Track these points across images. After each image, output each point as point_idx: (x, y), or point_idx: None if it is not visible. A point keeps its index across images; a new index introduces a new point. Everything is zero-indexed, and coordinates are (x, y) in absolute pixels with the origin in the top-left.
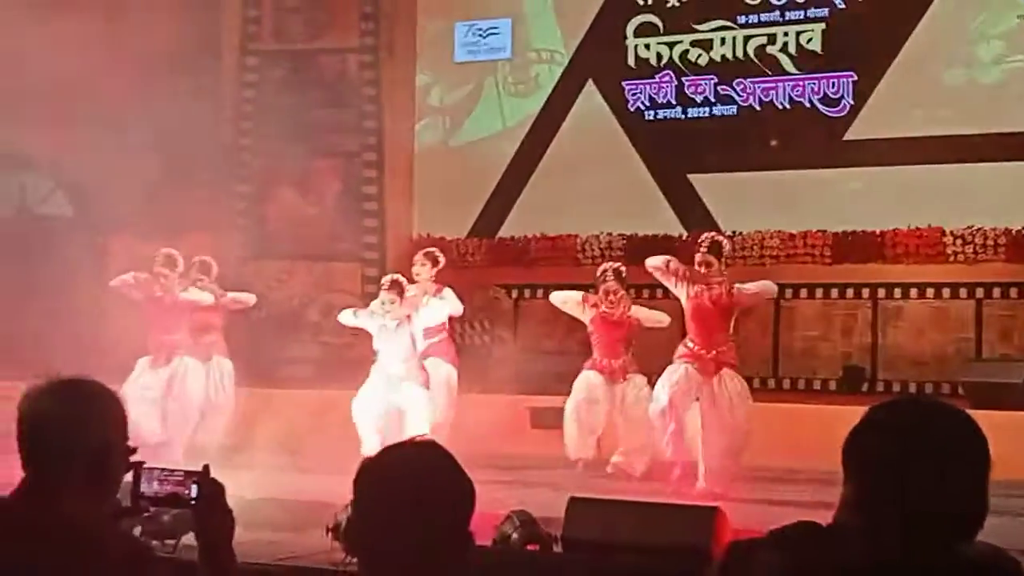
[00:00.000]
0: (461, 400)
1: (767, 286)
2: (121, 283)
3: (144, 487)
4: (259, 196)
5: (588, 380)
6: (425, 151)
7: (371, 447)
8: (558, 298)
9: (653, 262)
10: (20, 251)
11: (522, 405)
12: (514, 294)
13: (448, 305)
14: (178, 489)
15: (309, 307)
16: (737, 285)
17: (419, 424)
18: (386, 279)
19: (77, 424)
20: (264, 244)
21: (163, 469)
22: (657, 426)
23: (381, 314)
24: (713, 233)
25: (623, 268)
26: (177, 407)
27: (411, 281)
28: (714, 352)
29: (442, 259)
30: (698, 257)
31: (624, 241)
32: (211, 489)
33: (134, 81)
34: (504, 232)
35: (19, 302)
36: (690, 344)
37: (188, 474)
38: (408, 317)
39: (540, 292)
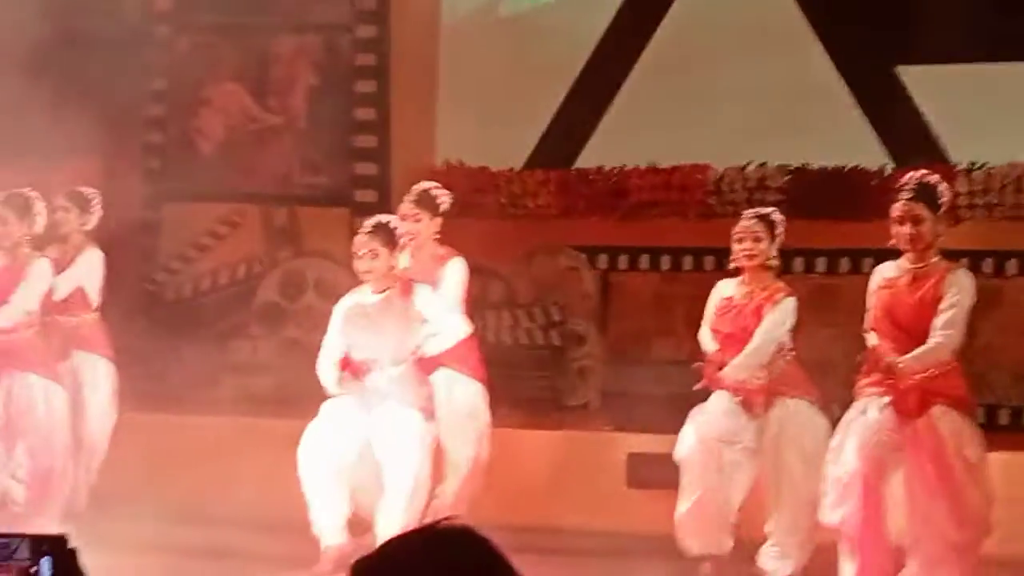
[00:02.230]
0: (500, 440)
1: None
2: None
3: None
4: (183, 99)
5: (716, 410)
6: (459, 24)
7: (331, 524)
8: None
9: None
10: None
11: (613, 449)
12: (601, 262)
13: (450, 284)
14: (24, 574)
15: (264, 280)
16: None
17: (401, 480)
18: (369, 222)
19: None
20: (190, 176)
21: None
22: (831, 503)
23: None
24: (924, 171)
25: (777, 216)
26: (28, 447)
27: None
28: (920, 377)
29: (445, 201)
30: (898, 208)
31: (787, 177)
32: (72, 565)
33: None
34: (585, 161)
35: None
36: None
37: (35, 542)
38: (406, 286)
39: (644, 260)
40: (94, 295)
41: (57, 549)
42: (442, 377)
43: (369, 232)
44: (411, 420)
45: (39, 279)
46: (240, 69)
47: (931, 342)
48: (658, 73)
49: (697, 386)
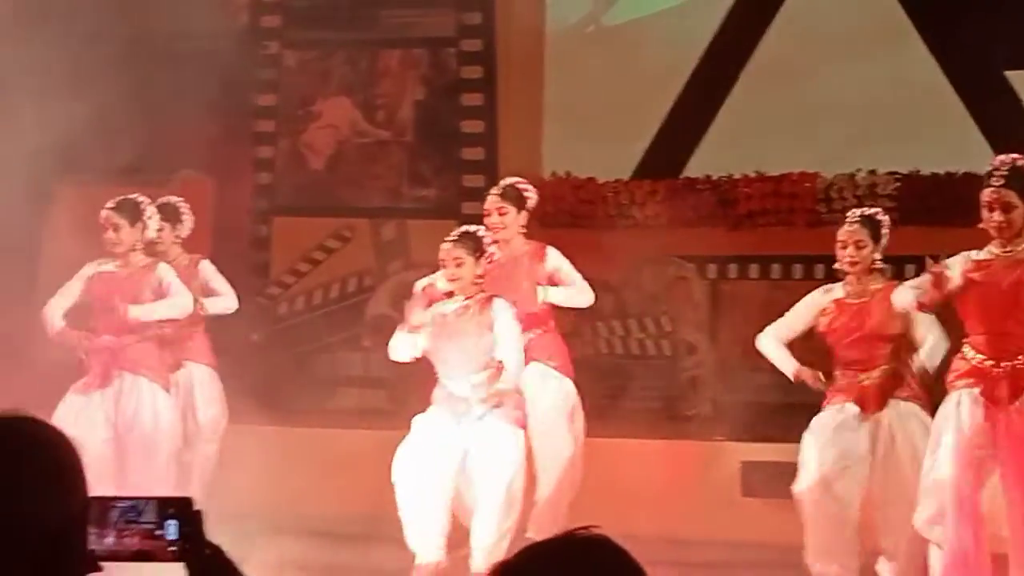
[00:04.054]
0: (611, 450)
1: None
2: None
3: (94, 540)
4: (293, 114)
5: (832, 418)
6: (563, 35)
7: (427, 542)
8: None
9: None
10: None
11: (727, 458)
12: (711, 271)
13: (564, 264)
14: (149, 536)
15: (375, 293)
16: None
17: (495, 494)
18: (455, 231)
19: (20, 496)
20: (301, 191)
21: (120, 503)
22: (928, 517)
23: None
24: (1016, 156)
25: (883, 216)
26: (139, 450)
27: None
28: (1010, 364)
29: (532, 196)
30: (987, 195)
31: (897, 184)
32: (198, 528)
33: None
34: (693, 170)
35: None
36: (970, 353)
37: (161, 505)
38: (488, 300)
39: (754, 268)
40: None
41: (183, 511)
42: (534, 372)
43: (455, 240)
44: (502, 431)
45: (180, 282)
46: (348, 84)
47: None
48: (765, 80)
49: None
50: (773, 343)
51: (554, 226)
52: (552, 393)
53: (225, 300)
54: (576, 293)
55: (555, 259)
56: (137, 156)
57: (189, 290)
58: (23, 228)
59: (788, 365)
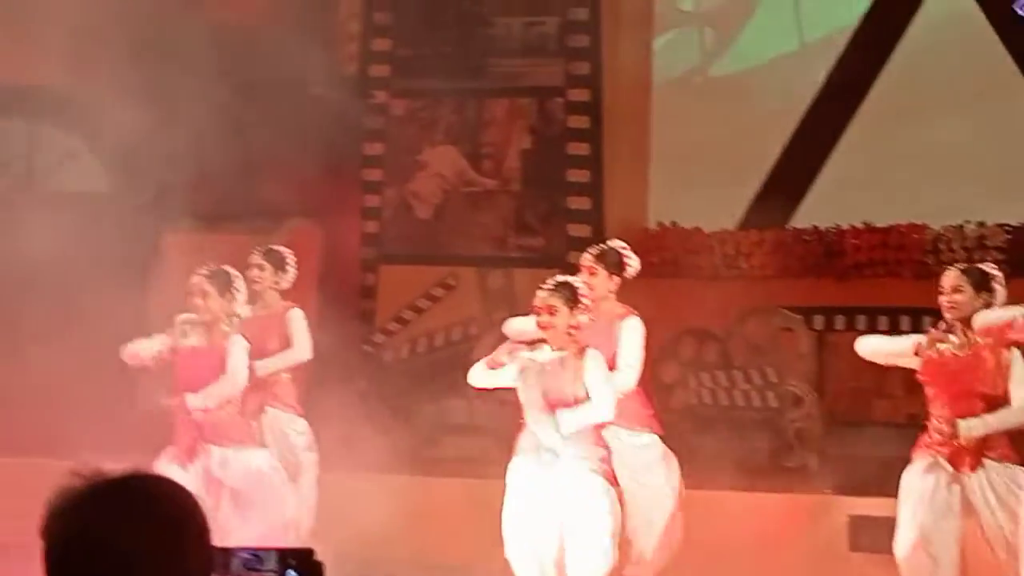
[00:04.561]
0: (717, 502)
1: None
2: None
3: None
4: (400, 163)
5: (925, 476)
6: (670, 86)
7: None
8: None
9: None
10: (14, 247)
11: (834, 512)
12: (817, 322)
13: (630, 343)
14: None
15: (480, 341)
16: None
17: (587, 551)
18: (552, 280)
19: (149, 553)
20: (407, 239)
21: (241, 553)
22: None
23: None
24: None
25: (993, 270)
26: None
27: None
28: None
29: (633, 262)
30: None
31: (1008, 236)
32: None
33: None
34: (801, 220)
35: (12, 332)
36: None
37: (283, 555)
38: (581, 351)
39: (861, 320)
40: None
41: (305, 562)
42: (617, 434)
43: (551, 289)
44: (593, 485)
45: (241, 357)
46: (455, 133)
47: None
48: (872, 130)
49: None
50: (875, 339)
51: (659, 276)
52: (640, 449)
53: (295, 353)
54: (590, 409)
55: (624, 334)
56: (245, 205)
57: (269, 342)
58: (135, 275)
59: (901, 342)
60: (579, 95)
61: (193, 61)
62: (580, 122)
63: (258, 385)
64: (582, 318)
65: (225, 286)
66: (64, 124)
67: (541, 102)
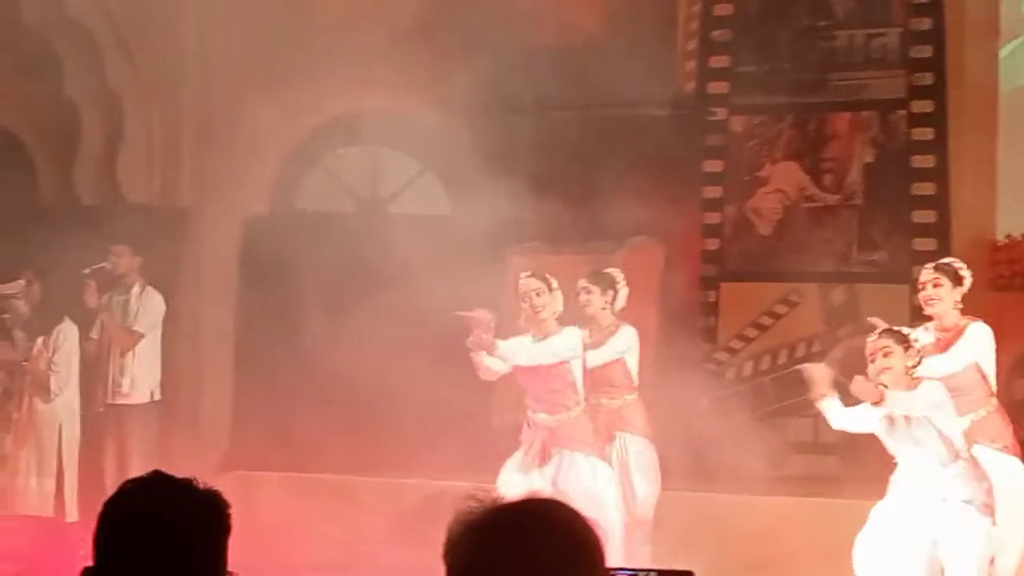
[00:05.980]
0: None
1: None
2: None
3: None
4: (740, 180)
5: None
6: (1017, 94)
7: None
8: None
9: None
10: (344, 273)
11: None
12: None
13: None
14: None
15: (824, 358)
16: None
17: None
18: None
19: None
20: (748, 256)
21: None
22: None
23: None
24: None
25: None
26: None
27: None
28: None
29: (967, 277)
30: None
31: None
32: None
33: None
34: None
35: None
36: None
37: None
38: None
39: None
40: (635, 373)
41: None
42: (980, 456)
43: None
44: (969, 520)
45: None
46: (796, 148)
47: None
48: None
49: None
50: None
51: (1009, 290)
52: (1003, 477)
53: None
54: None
55: (968, 335)
56: (588, 225)
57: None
58: (481, 295)
59: None
60: (923, 106)
61: (534, 85)
62: (924, 134)
63: (605, 409)
64: (910, 362)
65: (608, 285)
66: (407, 149)
67: (884, 114)
